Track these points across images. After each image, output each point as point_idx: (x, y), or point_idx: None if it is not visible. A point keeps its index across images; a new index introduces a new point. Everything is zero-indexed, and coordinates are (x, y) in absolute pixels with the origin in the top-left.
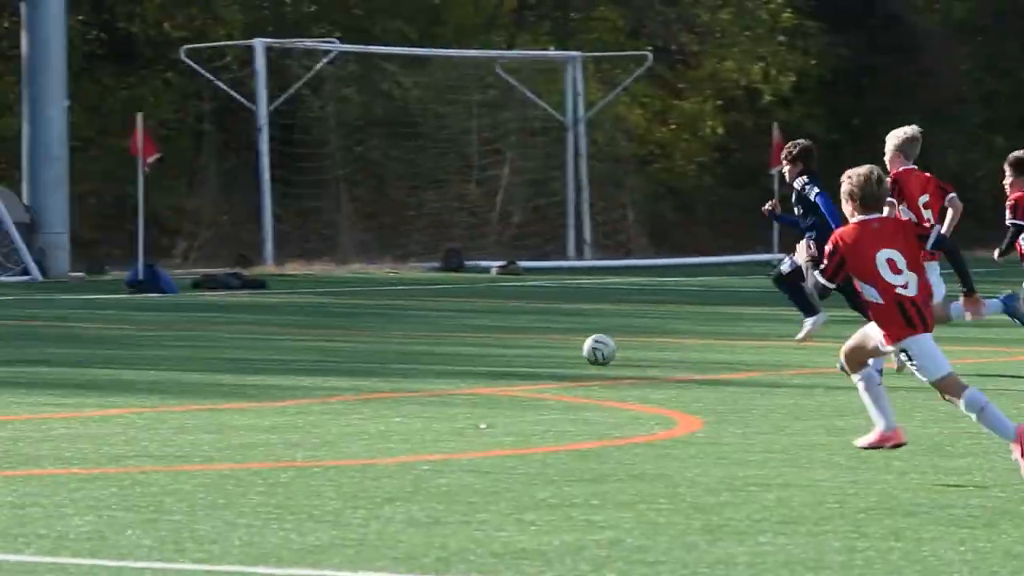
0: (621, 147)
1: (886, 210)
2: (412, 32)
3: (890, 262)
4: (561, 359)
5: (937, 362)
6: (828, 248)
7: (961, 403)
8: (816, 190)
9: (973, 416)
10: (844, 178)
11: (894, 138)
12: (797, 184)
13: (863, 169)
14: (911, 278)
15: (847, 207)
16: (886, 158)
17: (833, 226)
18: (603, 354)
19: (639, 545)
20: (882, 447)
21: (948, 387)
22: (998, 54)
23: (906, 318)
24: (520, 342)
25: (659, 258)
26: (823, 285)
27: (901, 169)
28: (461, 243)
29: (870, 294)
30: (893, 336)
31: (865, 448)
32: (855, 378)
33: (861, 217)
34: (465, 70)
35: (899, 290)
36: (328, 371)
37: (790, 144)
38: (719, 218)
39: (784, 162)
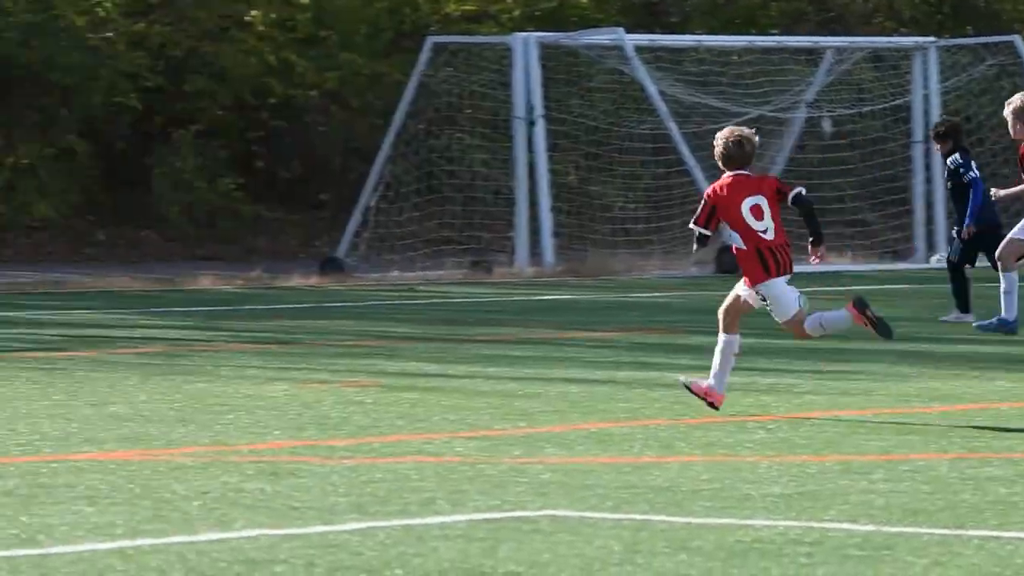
0: None
1: None
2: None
3: (754, 208)
4: None
5: (788, 304)
6: (703, 199)
7: (809, 332)
8: (972, 174)
9: (817, 335)
10: (714, 143)
11: (1009, 106)
12: (950, 163)
13: (725, 132)
14: (770, 225)
15: (721, 167)
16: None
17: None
18: None
19: None
20: (701, 399)
21: (795, 326)
22: None
23: (763, 263)
24: None
25: None
26: (698, 233)
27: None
28: None
29: (736, 241)
30: (752, 280)
31: (688, 389)
32: (721, 336)
33: (732, 172)
34: None
35: (760, 235)
36: None
37: (938, 122)
38: None
39: (934, 140)
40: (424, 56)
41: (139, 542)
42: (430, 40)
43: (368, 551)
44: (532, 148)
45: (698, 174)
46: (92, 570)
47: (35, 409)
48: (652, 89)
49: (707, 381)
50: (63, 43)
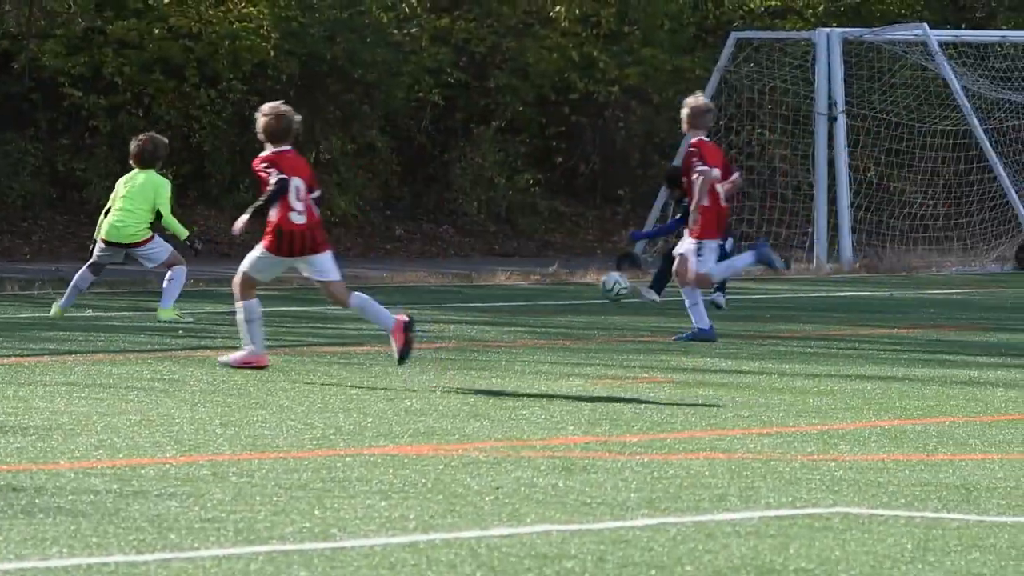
0: None
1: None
2: None
3: (297, 189)
4: None
5: (333, 271)
6: (263, 166)
7: (352, 306)
8: None
9: (362, 311)
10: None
11: None
12: None
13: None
14: (304, 207)
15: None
16: None
17: None
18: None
19: None
20: (249, 367)
21: (336, 293)
22: None
23: (282, 243)
24: None
25: None
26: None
27: None
28: None
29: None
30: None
31: (232, 366)
32: (238, 305)
33: (275, 149)
34: None
35: (291, 215)
36: None
37: None
38: None
39: None
40: (727, 51)
41: (431, 536)
42: (733, 36)
43: (658, 547)
44: (832, 144)
45: (1000, 170)
46: (384, 564)
47: (331, 403)
48: (956, 85)
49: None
50: (368, 39)
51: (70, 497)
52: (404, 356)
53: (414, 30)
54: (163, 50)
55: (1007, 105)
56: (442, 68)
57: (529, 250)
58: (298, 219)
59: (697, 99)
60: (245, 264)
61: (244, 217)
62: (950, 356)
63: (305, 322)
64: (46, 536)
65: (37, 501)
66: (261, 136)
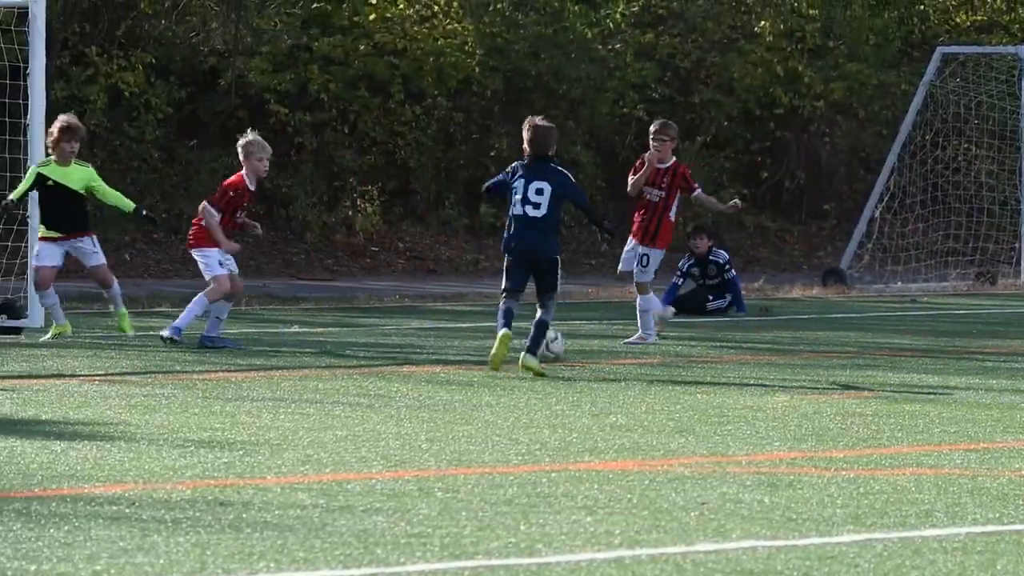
0: None
1: None
2: None
3: None
4: None
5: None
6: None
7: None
8: None
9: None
10: None
11: None
12: None
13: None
14: None
15: None
16: None
17: None
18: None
19: None
20: None
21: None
22: None
23: None
24: None
25: None
26: None
27: None
28: None
29: None
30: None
31: None
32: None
33: None
34: None
35: None
36: None
37: None
38: None
39: None
40: (932, 66)
41: (636, 552)
42: (939, 51)
43: (865, 563)
44: None
45: None
46: None
47: (536, 419)
48: None
49: None
50: (572, 55)
51: (277, 512)
52: None
53: (618, 46)
54: (368, 66)
55: None
56: (646, 83)
57: (734, 265)
58: None
59: None
60: None
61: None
62: None
63: (519, 338)
64: (253, 551)
65: (244, 516)
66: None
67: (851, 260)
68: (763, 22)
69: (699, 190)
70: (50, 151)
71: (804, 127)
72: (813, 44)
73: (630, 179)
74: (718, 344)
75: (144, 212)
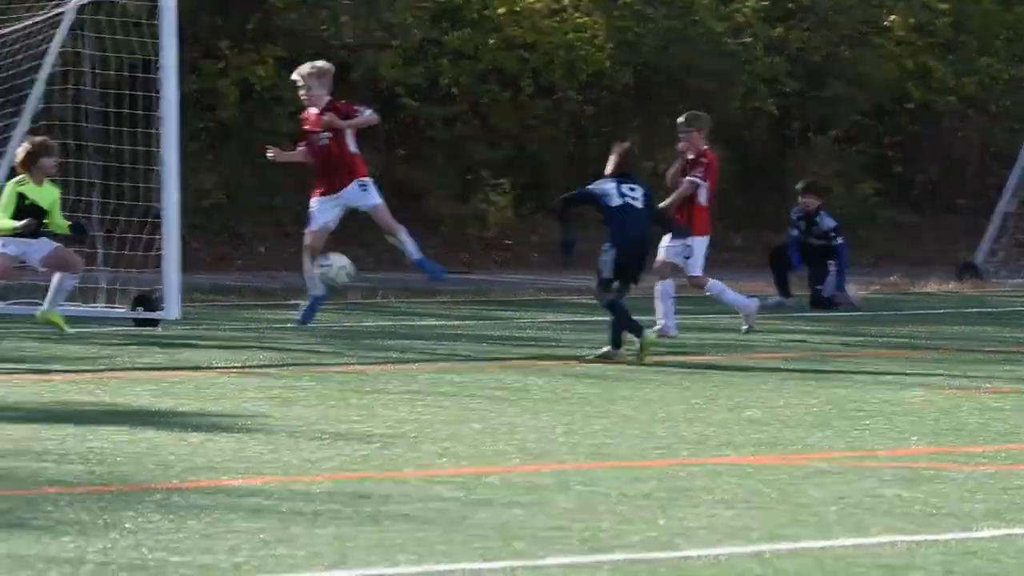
0: None
1: None
2: None
3: None
4: None
5: None
6: None
7: None
8: None
9: None
10: None
11: None
12: None
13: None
14: None
15: None
16: None
17: None
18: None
19: None
20: None
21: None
22: None
23: None
24: None
25: None
26: None
27: None
28: None
29: None
30: None
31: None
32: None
33: None
34: None
35: None
36: None
37: None
38: None
39: None
40: None
41: (776, 546)
42: None
43: (1007, 558)
44: None
45: None
46: (730, 573)
47: (673, 412)
48: None
49: None
50: (702, 48)
51: (416, 504)
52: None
53: (748, 39)
54: (498, 60)
55: None
56: (777, 77)
57: (864, 259)
58: None
59: None
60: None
61: None
62: None
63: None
64: (394, 543)
65: (383, 508)
66: None
67: (986, 255)
68: (893, 16)
69: (690, 178)
70: (20, 170)
71: (936, 122)
72: (944, 38)
73: (668, 174)
74: (853, 337)
75: (72, 224)
